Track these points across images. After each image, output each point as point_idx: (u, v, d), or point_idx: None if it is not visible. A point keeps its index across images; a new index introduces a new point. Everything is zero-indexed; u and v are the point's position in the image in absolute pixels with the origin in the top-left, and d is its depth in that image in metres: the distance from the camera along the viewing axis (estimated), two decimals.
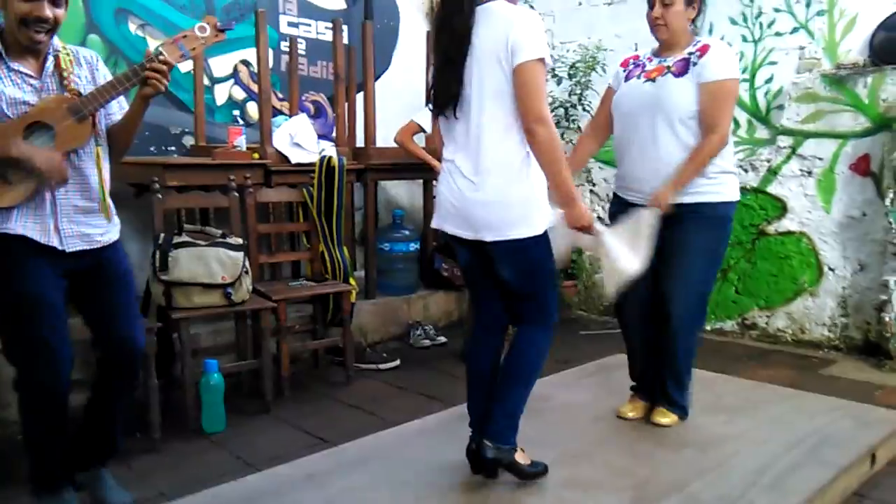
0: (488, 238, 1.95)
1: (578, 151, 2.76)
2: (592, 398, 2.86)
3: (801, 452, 2.34)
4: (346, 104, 4.04)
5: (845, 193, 3.70)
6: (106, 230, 2.06)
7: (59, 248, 1.94)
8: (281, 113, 4.13)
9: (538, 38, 1.86)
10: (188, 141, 3.95)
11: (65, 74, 1.95)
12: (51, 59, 1.95)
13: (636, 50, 2.62)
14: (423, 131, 3.66)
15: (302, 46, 4.41)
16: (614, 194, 2.65)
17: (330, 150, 3.70)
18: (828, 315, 3.81)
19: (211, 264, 2.83)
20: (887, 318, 3.51)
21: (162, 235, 2.87)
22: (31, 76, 1.92)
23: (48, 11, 1.85)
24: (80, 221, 1.98)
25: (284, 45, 4.27)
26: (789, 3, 3.84)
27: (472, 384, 2.20)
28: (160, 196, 2.92)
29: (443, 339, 4.01)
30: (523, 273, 2.01)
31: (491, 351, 2.17)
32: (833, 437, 2.46)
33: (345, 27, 4.02)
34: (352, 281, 3.51)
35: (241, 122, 3.89)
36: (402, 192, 4.84)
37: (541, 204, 1.97)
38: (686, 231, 2.40)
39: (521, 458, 2.08)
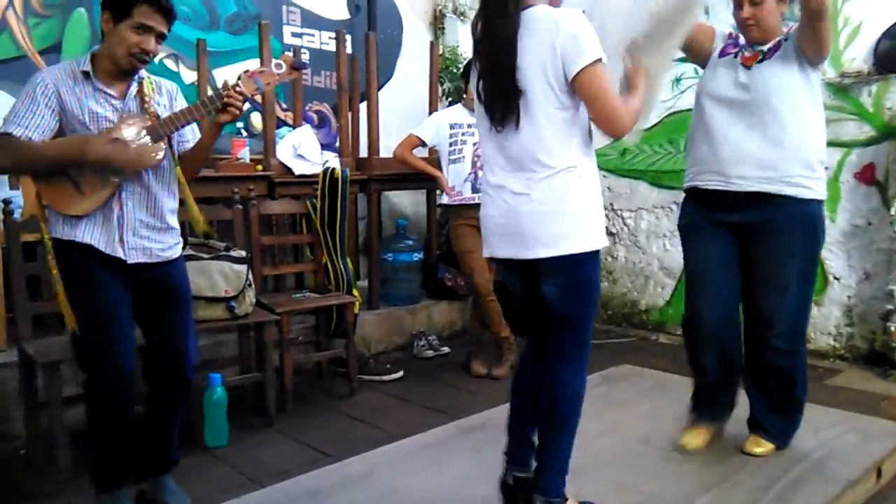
0: (541, 254, 1.82)
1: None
2: (595, 412, 2.83)
3: (807, 467, 2.33)
4: (350, 114, 4.05)
5: (850, 202, 3.69)
6: (167, 246, 2.17)
7: (123, 258, 2.06)
8: (285, 123, 4.14)
9: (588, 40, 1.73)
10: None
11: (146, 99, 2.10)
12: (135, 84, 2.11)
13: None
14: (424, 145, 3.64)
15: (305, 56, 4.42)
16: (685, 194, 2.47)
17: (333, 161, 3.71)
18: (833, 324, 3.79)
19: (214, 277, 2.83)
20: (893, 328, 3.49)
21: None
22: (114, 97, 2.07)
23: (154, 45, 2.03)
24: (143, 236, 2.10)
25: (289, 54, 4.28)
26: (792, 10, 3.82)
27: (515, 409, 2.06)
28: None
29: (446, 349, 4.00)
30: (569, 293, 1.86)
31: (537, 386, 2.00)
32: (839, 451, 2.44)
33: (348, 37, 4.03)
34: (355, 292, 3.51)
35: (244, 133, 3.89)
36: (406, 201, 4.84)
37: (596, 218, 1.86)
38: (779, 237, 2.24)
39: None
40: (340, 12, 4.66)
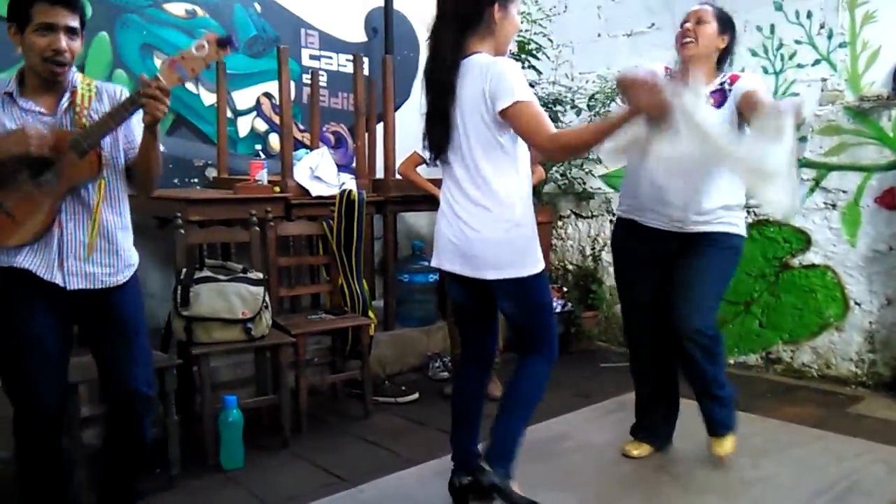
0: (491, 276, 2.03)
1: None
2: (614, 438, 2.82)
3: (830, 499, 2.30)
4: (366, 136, 4.07)
5: (871, 227, 3.64)
6: (114, 271, 1.99)
7: (61, 285, 1.90)
8: (303, 145, 4.17)
9: (516, 82, 1.92)
10: (211, 173, 4.00)
11: (77, 110, 1.92)
12: (66, 96, 1.95)
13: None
14: (426, 163, 3.64)
15: (323, 79, 4.46)
16: (619, 219, 2.67)
17: (350, 183, 3.73)
18: (854, 350, 3.74)
19: (231, 299, 2.85)
20: None
21: (184, 270, 2.89)
22: (43, 114, 1.92)
23: (64, 43, 1.86)
24: (88, 259, 1.93)
25: (306, 78, 4.32)
26: (811, 35, 3.82)
27: (457, 419, 2.28)
28: (182, 231, 2.95)
29: None
30: (524, 308, 2.11)
31: (477, 386, 2.28)
32: (862, 484, 2.40)
33: (365, 59, 4.06)
34: (371, 314, 3.51)
35: (262, 155, 3.93)
36: (423, 222, 4.84)
37: (534, 246, 2.07)
38: (704, 255, 2.46)
39: (516, 488, 2.11)
40: (358, 35, 4.70)
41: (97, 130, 1.87)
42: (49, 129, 1.87)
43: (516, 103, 1.91)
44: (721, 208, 2.45)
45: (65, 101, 1.95)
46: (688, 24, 2.43)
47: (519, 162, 2.05)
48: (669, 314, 2.48)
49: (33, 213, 1.87)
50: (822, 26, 3.77)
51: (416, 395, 3.59)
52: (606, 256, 4.80)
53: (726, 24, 2.48)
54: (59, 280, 1.91)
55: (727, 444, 2.56)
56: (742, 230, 2.53)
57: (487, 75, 1.93)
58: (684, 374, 2.61)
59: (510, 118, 1.93)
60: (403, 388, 3.62)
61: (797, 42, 3.87)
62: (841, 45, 3.73)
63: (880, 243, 3.63)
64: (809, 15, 3.80)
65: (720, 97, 2.42)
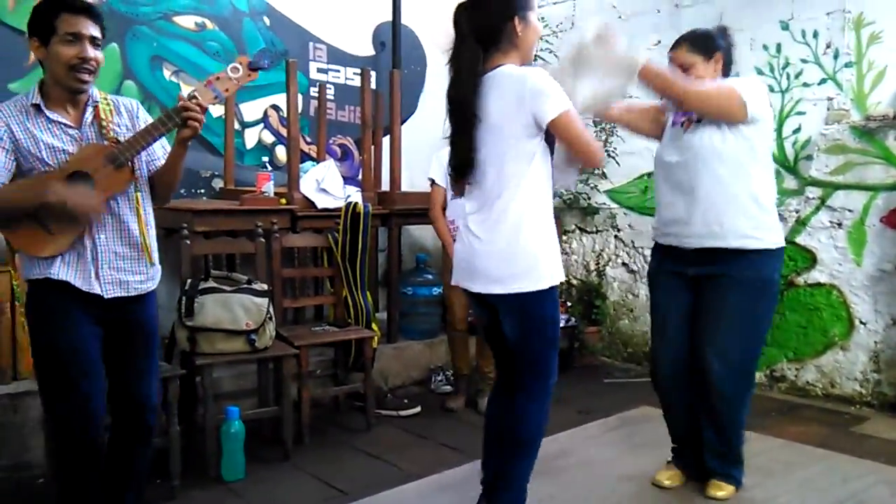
0: (494, 290, 1.99)
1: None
2: (616, 455, 2.80)
3: None
4: (373, 149, 4.09)
5: (877, 246, 3.64)
6: (145, 278, 2.07)
7: (100, 294, 1.97)
8: (309, 157, 4.19)
9: (553, 91, 1.90)
10: (217, 184, 4.02)
11: (104, 124, 1.99)
12: (90, 109, 2.00)
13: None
14: (443, 188, 3.61)
15: (330, 91, 4.49)
16: (655, 244, 2.61)
17: (356, 195, 3.74)
18: (859, 370, 3.72)
19: (235, 310, 2.85)
20: None
21: (189, 281, 2.90)
22: (69, 126, 1.97)
23: (91, 52, 1.92)
24: (120, 268, 2.00)
25: (314, 91, 4.35)
26: (817, 54, 3.83)
27: (488, 442, 2.16)
28: (188, 242, 2.97)
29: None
30: (524, 330, 2.00)
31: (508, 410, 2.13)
32: None
33: (373, 73, 4.09)
34: (374, 326, 3.51)
35: (269, 167, 3.95)
36: (427, 235, 4.85)
37: (549, 259, 1.99)
38: (727, 291, 2.37)
39: None
40: (366, 49, 4.73)
41: (135, 144, 1.95)
42: (89, 145, 1.96)
43: (566, 112, 1.90)
44: (742, 217, 2.34)
45: (89, 115, 2.00)
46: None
47: (542, 174, 1.99)
48: (694, 350, 2.43)
49: (70, 226, 1.92)
50: (828, 46, 3.79)
51: (418, 409, 3.58)
52: (611, 272, 4.80)
53: (708, 46, 2.43)
54: (97, 289, 1.96)
55: (727, 490, 2.47)
56: (771, 241, 2.38)
57: (525, 88, 1.89)
58: (699, 410, 2.50)
59: (561, 128, 1.91)
60: (406, 401, 3.62)
61: (803, 61, 3.89)
62: (847, 65, 3.74)
63: (886, 263, 3.62)
64: (816, 34, 3.82)
65: None
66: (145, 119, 2.11)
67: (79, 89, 1.96)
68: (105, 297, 1.97)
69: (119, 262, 2.00)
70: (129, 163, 1.97)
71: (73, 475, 2.00)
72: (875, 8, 3.64)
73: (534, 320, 2.00)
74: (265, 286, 3.01)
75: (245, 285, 2.96)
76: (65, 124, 1.96)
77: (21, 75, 3.48)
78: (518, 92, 1.90)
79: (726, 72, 2.48)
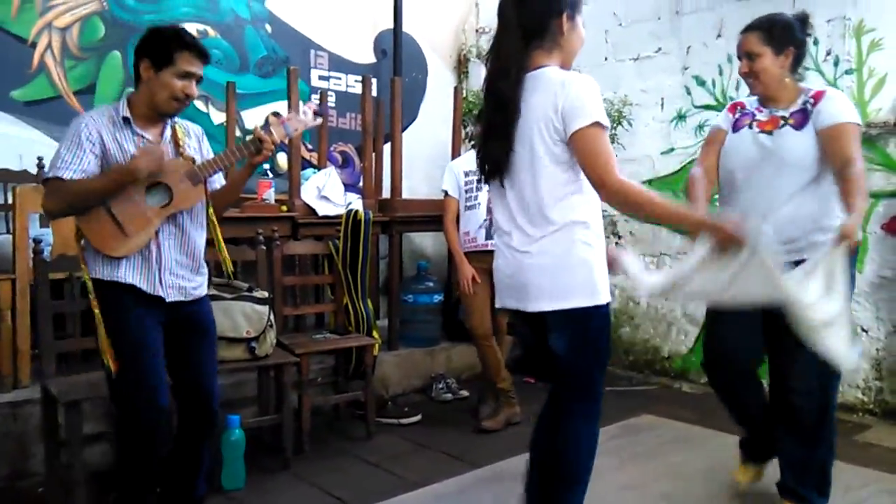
0: (545, 307, 1.82)
1: (697, 188, 2.39)
2: (618, 463, 2.79)
3: None
4: (373, 155, 4.10)
5: (877, 253, 3.63)
6: (198, 284, 2.24)
7: (164, 297, 2.13)
8: (310, 164, 4.20)
9: (592, 102, 1.75)
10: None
11: (180, 143, 2.19)
12: (168, 128, 2.20)
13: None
14: (455, 199, 3.57)
15: (332, 99, 4.50)
16: None
17: (356, 203, 3.74)
18: (861, 378, 3.70)
19: (236, 318, 2.85)
20: None
21: None
22: (151, 141, 2.14)
23: (195, 90, 2.13)
24: (179, 275, 2.17)
25: (315, 98, 4.36)
26: (817, 61, 3.83)
27: (533, 469, 1.98)
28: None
29: (465, 393, 3.96)
30: (578, 348, 1.84)
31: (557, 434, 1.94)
32: None
33: (374, 80, 4.10)
34: (375, 334, 3.50)
35: (270, 174, 3.95)
36: (428, 242, 4.86)
37: (603, 272, 1.85)
38: None
39: None
40: (367, 56, 4.75)
41: (213, 165, 2.16)
42: (171, 160, 2.13)
43: (595, 124, 1.74)
44: (821, 231, 2.18)
45: (167, 133, 2.19)
46: (743, 66, 2.26)
47: (585, 182, 1.82)
48: (775, 368, 2.31)
49: (144, 229, 2.09)
50: (828, 53, 3.79)
51: (418, 417, 3.57)
52: (612, 279, 4.78)
53: (783, 39, 2.23)
54: (160, 293, 2.13)
55: None
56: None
57: (564, 91, 1.76)
58: (776, 416, 2.34)
59: (580, 140, 1.74)
60: (406, 409, 3.61)
61: (804, 68, 3.87)
62: (847, 72, 3.74)
63: (887, 270, 3.61)
64: (816, 42, 3.82)
65: (801, 118, 2.22)
66: (207, 145, 2.33)
67: (171, 115, 2.17)
68: (167, 300, 2.13)
69: (179, 269, 2.17)
70: (204, 180, 2.17)
71: (138, 462, 2.12)
72: (875, 15, 3.64)
73: (588, 337, 1.85)
74: (266, 294, 3.01)
75: (246, 293, 2.95)
76: (148, 139, 2.14)
77: (23, 83, 3.50)
78: (556, 95, 1.76)
79: (794, 67, 2.29)
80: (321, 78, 4.52)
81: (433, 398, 3.93)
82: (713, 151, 2.42)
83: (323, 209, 3.66)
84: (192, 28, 3.96)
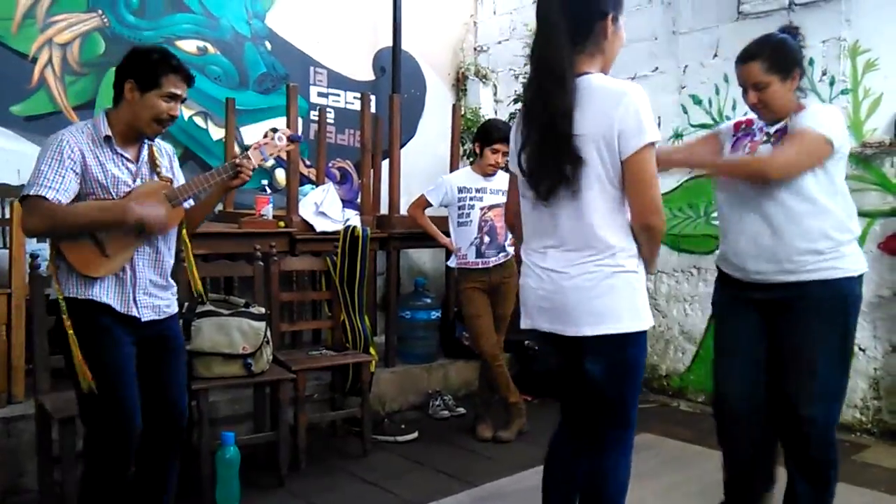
0: (587, 332, 1.72)
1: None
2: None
3: None
4: (371, 172, 4.11)
5: (875, 273, 3.63)
6: (170, 302, 2.26)
7: (138, 317, 2.12)
8: (309, 180, 4.21)
9: (648, 119, 1.66)
10: (217, 206, 4.02)
11: (156, 163, 2.20)
12: (146, 148, 2.19)
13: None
14: (430, 205, 3.65)
15: (330, 115, 4.52)
16: (719, 271, 2.37)
17: (354, 219, 3.75)
18: (859, 397, 3.69)
19: (233, 334, 2.83)
20: None
21: (186, 304, 2.89)
22: (130, 161, 2.15)
23: (178, 111, 2.15)
24: (152, 294, 2.17)
25: (314, 114, 4.38)
26: (812, 81, 3.86)
27: (553, 500, 1.93)
28: (186, 264, 2.96)
29: (462, 410, 3.94)
30: (613, 373, 1.76)
31: (573, 472, 1.90)
32: None
33: (373, 97, 4.13)
34: (372, 350, 3.49)
35: (268, 190, 3.96)
36: (425, 259, 4.86)
37: (644, 297, 1.77)
38: (804, 322, 2.13)
39: None
40: (366, 74, 4.78)
41: (192, 188, 2.19)
42: (149, 183, 2.15)
43: (650, 145, 1.66)
44: (811, 253, 2.10)
45: (144, 153, 2.19)
46: (751, 98, 2.16)
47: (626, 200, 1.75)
48: (777, 391, 2.20)
49: (123, 251, 2.09)
50: (824, 73, 3.82)
51: (415, 434, 3.55)
52: None
53: (788, 63, 2.14)
54: (134, 312, 2.12)
55: None
56: (850, 269, 2.13)
57: (621, 105, 1.65)
58: (786, 462, 2.26)
59: (636, 164, 1.65)
60: (403, 426, 3.59)
61: (799, 88, 3.91)
62: (843, 92, 3.77)
63: (884, 289, 3.61)
64: (811, 62, 3.85)
65: (782, 134, 2.17)
66: (176, 164, 2.34)
67: (152, 137, 2.18)
68: (142, 319, 2.13)
69: (152, 288, 2.17)
70: (182, 203, 2.20)
71: (107, 484, 2.09)
72: (870, 36, 3.67)
73: (628, 364, 1.77)
74: (263, 310, 3.00)
75: (243, 308, 2.94)
76: (127, 158, 2.14)
77: (22, 98, 3.51)
78: (612, 108, 1.65)
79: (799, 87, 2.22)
80: (320, 94, 4.54)
81: (430, 415, 3.91)
82: (710, 141, 2.40)
83: (321, 225, 3.66)
84: (192, 45, 4.00)
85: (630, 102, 1.65)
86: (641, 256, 1.77)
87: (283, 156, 3.03)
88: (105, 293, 2.07)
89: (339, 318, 3.49)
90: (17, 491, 2.73)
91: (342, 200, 3.93)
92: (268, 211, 3.54)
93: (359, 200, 4.13)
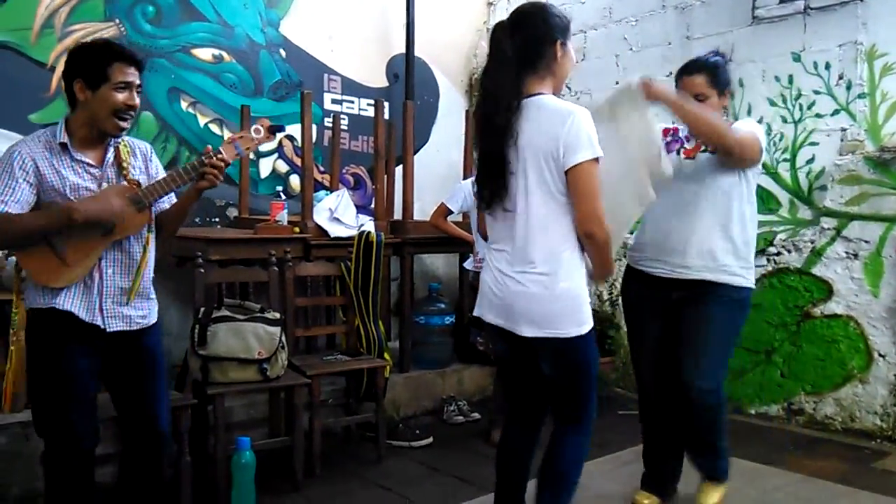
0: (529, 333, 1.89)
1: None
2: (630, 490, 2.75)
3: None
4: (385, 178, 4.12)
5: (894, 278, 3.59)
6: (146, 313, 2.13)
7: (101, 326, 2.02)
8: (323, 187, 4.23)
9: (591, 137, 1.82)
10: (232, 212, 4.06)
11: (124, 165, 2.06)
12: (111, 150, 2.07)
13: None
14: (451, 213, 3.75)
15: (344, 122, 4.54)
16: (628, 268, 2.64)
17: (368, 225, 3.76)
18: (879, 403, 3.65)
19: (248, 339, 2.85)
20: None
21: (202, 310, 2.91)
22: (92, 165, 2.04)
23: (136, 100, 2.01)
24: (123, 303, 2.06)
25: (328, 121, 4.41)
26: (829, 85, 3.84)
27: (501, 486, 2.09)
28: (202, 270, 2.98)
29: (476, 415, 3.93)
30: (566, 370, 1.95)
31: (523, 451, 2.08)
32: None
33: (386, 104, 4.14)
34: (386, 356, 3.49)
35: (283, 196, 3.99)
36: (439, 264, 4.86)
37: (587, 301, 1.92)
38: (708, 310, 2.41)
39: None
40: (379, 80, 4.80)
41: (158, 190, 2.04)
42: (111, 187, 2.02)
43: (595, 161, 1.81)
44: (731, 256, 2.40)
45: (110, 156, 2.06)
46: None
47: (573, 215, 1.90)
48: (675, 369, 2.44)
49: (85, 258, 1.98)
50: (840, 77, 3.79)
51: (430, 440, 3.54)
52: None
53: (724, 81, 2.44)
54: (99, 322, 2.01)
55: (715, 495, 2.51)
56: (750, 283, 2.47)
57: (568, 123, 1.81)
58: (684, 428, 2.56)
59: (578, 175, 1.80)
60: (417, 431, 3.58)
61: (816, 92, 3.89)
62: (860, 96, 3.73)
63: None
64: (828, 66, 3.82)
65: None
66: (157, 163, 2.21)
67: (117, 134, 2.03)
68: (107, 330, 2.02)
69: (122, 297, 2.06)
70: (149, 206, 2.06)
71: (60, 499, 2.03)
72: (888, 40, 3.64)
73: (578, 363, 1.95)
74: (278, 315, 3.01)
75: (258, 314, 2.96)
76: (88, 163, 2.02)
77: (41, 106, 3.55)
78: (558, 126, 1.81)
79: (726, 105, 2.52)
80: (334, 101, 4.57)
81: (444, 420, 3.90)
82: None
83: (335, 231, 3.67)
84: (207, 53, 4.03)
85: (576, 121, 1.81)
86: (590, 264, 1.93)
87: (265, 147, 2.86)
88: (69, 301, 1.97)
89: (354, 323, 3.50)
90: (34, 495, 2.74)
91: (356, 206, 3.94)
92: (283, 217, 3.56)
93: (373, 206, 4.14)
